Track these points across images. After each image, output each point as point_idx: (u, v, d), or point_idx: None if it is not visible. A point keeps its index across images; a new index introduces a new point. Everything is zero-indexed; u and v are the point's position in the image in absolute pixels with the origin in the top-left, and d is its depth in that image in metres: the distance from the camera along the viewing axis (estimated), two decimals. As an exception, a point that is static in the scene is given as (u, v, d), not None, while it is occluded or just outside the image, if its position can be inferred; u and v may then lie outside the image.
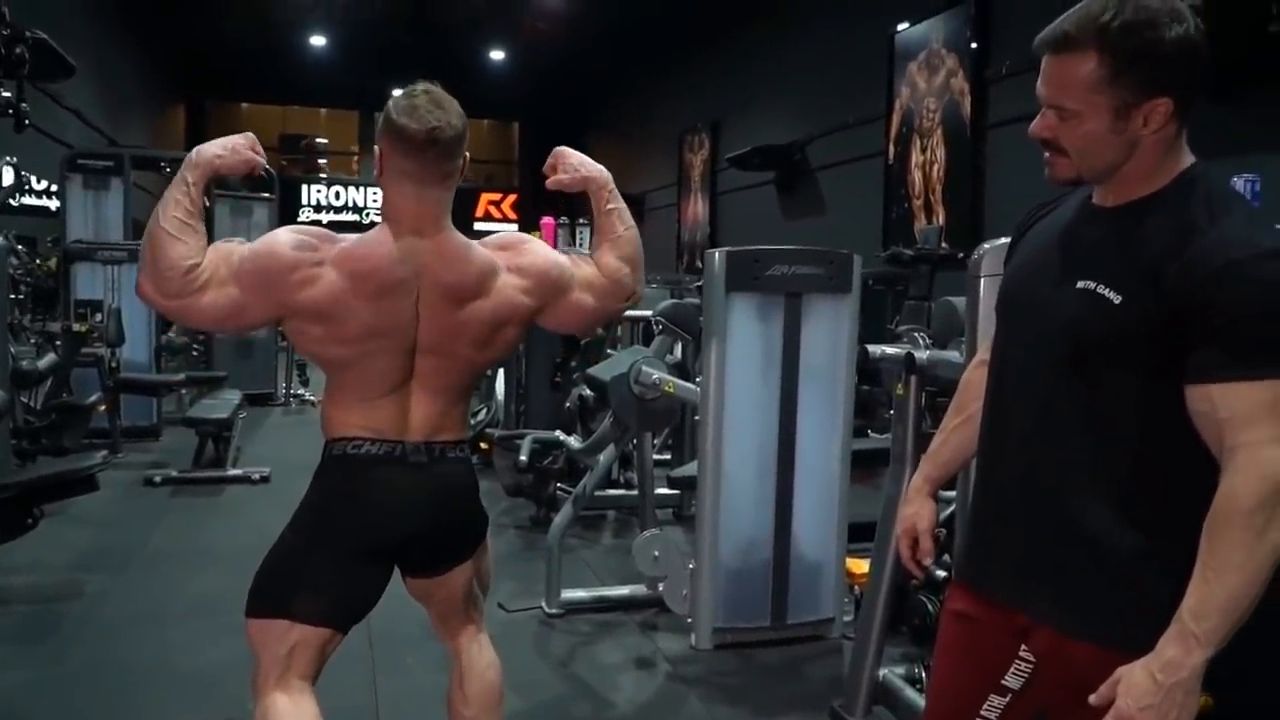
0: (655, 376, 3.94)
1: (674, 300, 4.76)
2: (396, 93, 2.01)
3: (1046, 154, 1.49)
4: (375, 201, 20.65)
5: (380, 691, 3.36)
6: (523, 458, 4.97)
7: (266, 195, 10.08)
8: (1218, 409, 1.34)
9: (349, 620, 2.07)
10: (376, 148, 2.02)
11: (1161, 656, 1.34)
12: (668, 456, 6.13)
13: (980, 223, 7.85)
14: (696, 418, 4.12)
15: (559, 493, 5.51)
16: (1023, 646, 1.57)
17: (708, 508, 3.84)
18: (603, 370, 4.15)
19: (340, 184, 21.34)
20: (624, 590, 4.28)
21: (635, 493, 5.45)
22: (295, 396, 10.16)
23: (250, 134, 2.08)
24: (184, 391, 8.81)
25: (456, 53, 16.48)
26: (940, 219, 8.42)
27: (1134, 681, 1.35)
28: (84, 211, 8.49)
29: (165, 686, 3.38)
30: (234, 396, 7.38)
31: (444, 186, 2.01)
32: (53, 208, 9.64)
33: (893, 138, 9.21)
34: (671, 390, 3.90)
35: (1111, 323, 1.40)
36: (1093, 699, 1.38)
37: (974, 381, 1.79)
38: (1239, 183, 2.64)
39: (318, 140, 23.25)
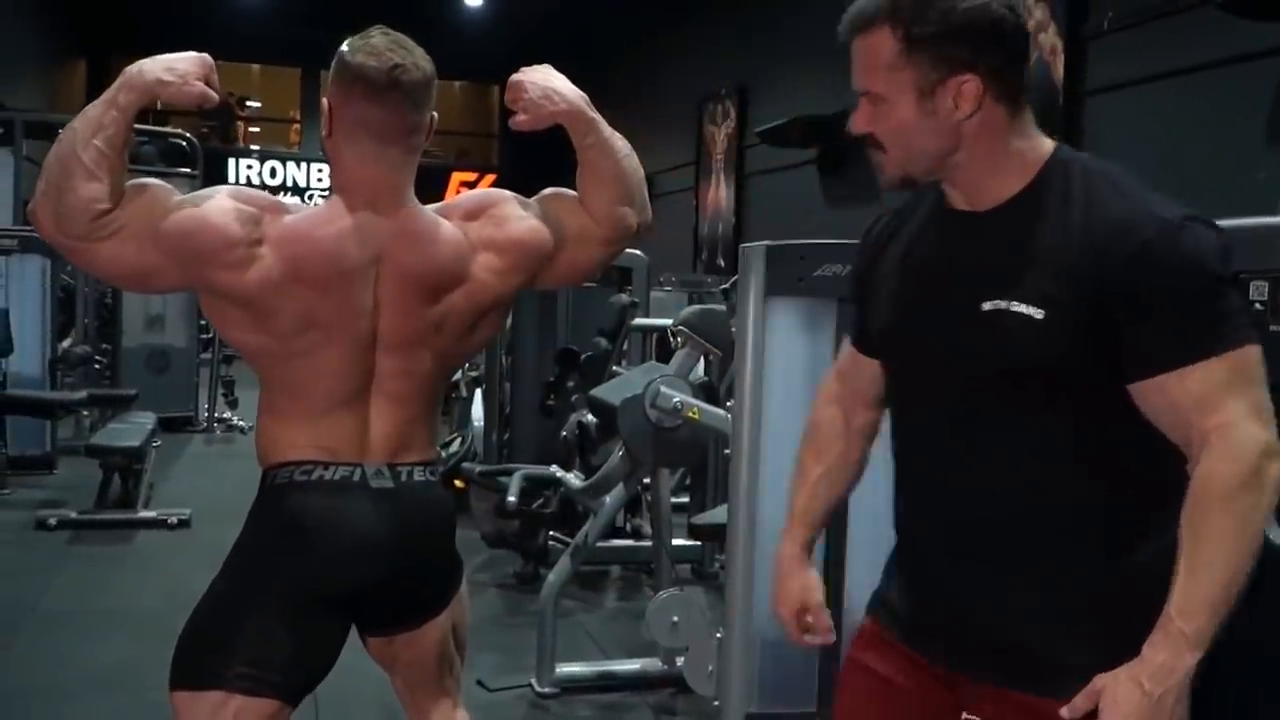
0: (677, 400, 3.95)
1: (699, 306, 4.78)
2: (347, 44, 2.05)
3: (873, 153, 1.69)
4: (320, 180, 20.69)
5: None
6: (512, 498, 4.97)
7: (186, 170, 10.10)
8: (1175, 399, 1.49)
9: (298, 690, 2.07)
10: (324, 101, 2.06)
11: (1150, 663, 1.46)
12: (685, 499, 6.15)
13: (1074, 213, 7.87)
14: (727, 451, 4.13)
15: (551, 543, 5.53)
16: (964, 714, 1.69)
17: (740, 563, 3.83)
18: (611, 391, 4.17)
19: (277, 158, 21.37)
20: (633, 665, 4.29)
21: (645, 544, 5.46)
22: (221, 421, 10.17)
23: (205, 56, 2.07)
24: (85, 413, 8.82)
25: (423, -2, 16.57)
26: (1024, 208, 8.44)
27: (1121, 695, 1.47)
28: (-36, 189, 8.56)
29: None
30: (146, 420, 7.40)
31: (407, 146, 2.07)
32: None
33: (965, 107, 9.22)
34: (696, 417, 3.91)
35: (1039, 342, 1.53)
36: (1064, 711, 1.51)
37: (826, 420, 1.97)
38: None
39: (248, 102, 23.27)
